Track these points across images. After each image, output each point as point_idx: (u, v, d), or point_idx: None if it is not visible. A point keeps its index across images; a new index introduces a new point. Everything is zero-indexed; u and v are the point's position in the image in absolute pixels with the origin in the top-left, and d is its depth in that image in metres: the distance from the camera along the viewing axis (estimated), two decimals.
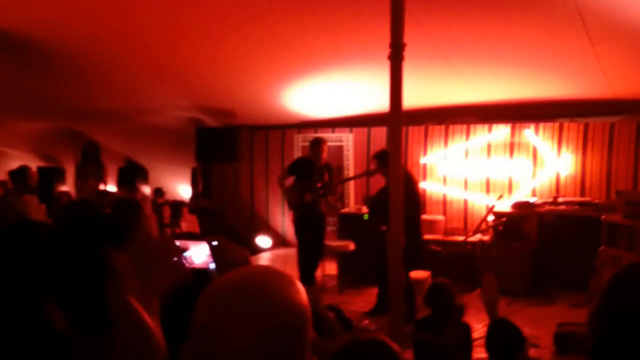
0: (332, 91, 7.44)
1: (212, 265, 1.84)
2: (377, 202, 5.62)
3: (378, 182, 6.60)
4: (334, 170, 6.89)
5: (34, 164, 10.52)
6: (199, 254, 1.93)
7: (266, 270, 1.10)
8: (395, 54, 3.67)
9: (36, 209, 5.56)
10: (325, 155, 6.62)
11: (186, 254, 1.95)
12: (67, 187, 10.22)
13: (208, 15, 5.19)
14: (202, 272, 1.89)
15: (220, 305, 1.01)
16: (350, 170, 8.78)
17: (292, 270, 6.66)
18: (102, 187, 10.03)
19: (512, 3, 4.77)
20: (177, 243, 1.97)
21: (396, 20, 3.65)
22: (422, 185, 8.25)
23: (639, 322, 1.06)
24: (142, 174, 10.40)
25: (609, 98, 6.86)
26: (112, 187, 10.16)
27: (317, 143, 6.64)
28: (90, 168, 9.95)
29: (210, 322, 1.00)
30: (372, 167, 6.41)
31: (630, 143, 7.23)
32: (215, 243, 1.71)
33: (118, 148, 10.30)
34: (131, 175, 10.24)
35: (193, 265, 1.95)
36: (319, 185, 6.50)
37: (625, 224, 5.07)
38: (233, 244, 1.70)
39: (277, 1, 4.93)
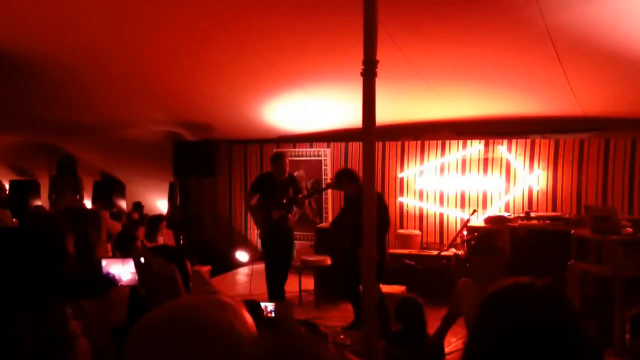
0: (310, 106, 7.49)
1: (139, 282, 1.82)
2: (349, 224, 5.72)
3: None
4: (299, 182, 6.89)
5: (7, 177, 10.39)
6: (126, 270, 1.90)
7: (206, 300, 1.06)
8: (368, 71, 3.71)
9: (9, 223, 5.50)
10: (287, 168, 6.59)
11: (114, 271, 1.92)
12: (41, 201, 10.09)
13: (186, 30, 5.22)
14: (133, 289, 1.86)
15: (152, 340, 0.97)
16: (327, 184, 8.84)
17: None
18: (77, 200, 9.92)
19: (484, 23, 4.89)
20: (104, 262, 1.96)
21: (369, 37, 3.70)
22: (398, 200, 8.35)
23: (508, 342, 1.13)
24: (118, 189, 10.31)
25: (579, 115, 7.03)
26: (87, 202, 10.05)
27: (278, 157, 6.58)
28: (66, 181, 9.84)
29: (144, 357, 0.97)
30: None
31: (599, 159, 7.41)
32: (141, 260, 1.68)
33: (94, 162, 10.22)
34: (107, 189, 10.15)
35: (121, 283, 1.92)
36: (284, 200, 6.47)
37: (593, 238, 5.17)
38: (161, 261, 1.68)
39: (255, 18, 4.98)
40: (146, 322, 1.00)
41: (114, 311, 1.93)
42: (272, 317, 3.45)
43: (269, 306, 3.67)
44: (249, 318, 1.04)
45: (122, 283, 1.89)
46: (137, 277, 1.74)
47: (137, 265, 1.69)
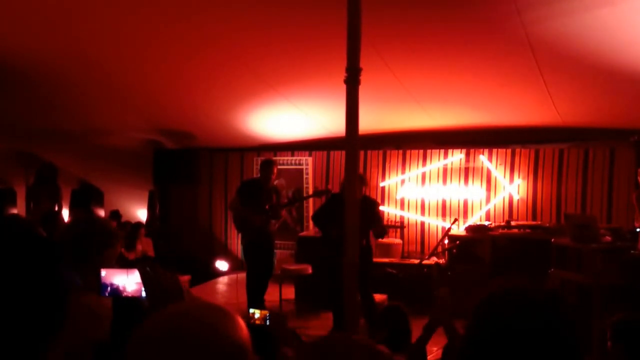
0: (292, 114, 7.47)
1: (144, 293, 1.79)
2: (319, 210, 5.99)
3: None
4: (281, 191, 6.86)
5: None
6: (130, 281, 1.86)
7: (204, 306, 1.08)
8: (352, 78, 3.72)
9: None
10: (275, 177, 6.54)
11: (118, 282, 1.87)
12: (17, 209, 9.89)
13: (167, 37, 5.18)
14: (133, 301, 1.82)
15: (154, 346, 0.98)
16: (309, 193, 8.80)
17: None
18: (56, 209, 9.74)
19: (467, 34, 4.93)
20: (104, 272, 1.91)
21: (353, 45, 3.71)
22: (380, 208, 8.34)
23: (505, 340, 1.11)
24: (96, 197, 10.16)
25: (558, 125, 7.12)
26: (65, 211, 9.88)
27: (268, 165, 6.50)
28: (45, 190, 9.67)
29: None
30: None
31: (578, 169, 7.52)
32: (147, 270, 1.67)
33: (72, 169, 10.05)
34: (85, 197, 10.00)
35: (125, 293, 1.88)
36: (267, 207, 6.41)
37: (573, 246, 5.21)
38: (166, 271, 1.67)
39: (237, 24, 4.96)
40: (146, 329, 1.01)
41: (97, 325, 1.88)
42: (262, 325, 3.38)
43: (256, 314, 3.60)
44: (243, 324, 1.05)
45: (127, 294, 1.84)
46: (142, 288, 1.72)
47: (144, 276, 1.67)
